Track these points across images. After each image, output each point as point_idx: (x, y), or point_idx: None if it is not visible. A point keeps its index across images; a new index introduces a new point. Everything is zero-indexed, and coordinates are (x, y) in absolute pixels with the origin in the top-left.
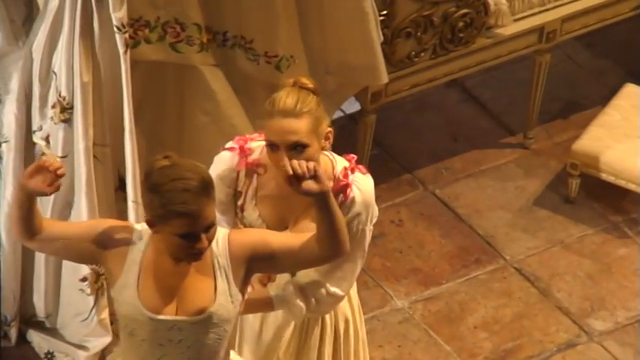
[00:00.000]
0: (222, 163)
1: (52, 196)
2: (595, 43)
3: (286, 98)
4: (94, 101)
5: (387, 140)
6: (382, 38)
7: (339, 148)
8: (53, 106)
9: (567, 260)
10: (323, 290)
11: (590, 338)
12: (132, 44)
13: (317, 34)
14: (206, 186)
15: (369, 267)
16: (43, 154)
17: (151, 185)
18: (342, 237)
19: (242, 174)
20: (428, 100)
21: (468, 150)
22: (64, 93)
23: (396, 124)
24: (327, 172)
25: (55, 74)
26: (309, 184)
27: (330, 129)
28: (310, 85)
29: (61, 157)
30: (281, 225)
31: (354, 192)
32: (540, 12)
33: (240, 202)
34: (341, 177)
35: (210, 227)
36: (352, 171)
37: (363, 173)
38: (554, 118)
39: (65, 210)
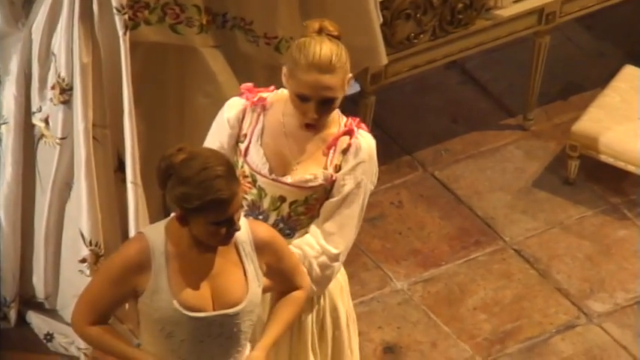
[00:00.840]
0: (229, 106)
1: (52, 177)
2: (594, 24)
3: (321, 51)
4: (93, 82)
5: (386, 122)
6: (382, 20)
7: None
8: (53, 88)
9: (567, 242)
10: (324, 257)
11: (589, 320)
12: (131, 26)
13: (316, 15)
14: (232, 167)
15: (368, 248)
16: (42, 135)
17: (180, 180)
18: None
19: (248, 114)
20: (427, 82)
21: (468, 132)
22: (63, 74)
23: (395, 106)
24: (334, 119)
25: (55, 55)
26: None
27: (350, 75)
28: (336, 32)
29: (61, 139)
30: (284, 167)
31: (360, 140)
32: None
33: (244, 146)
34: (346, 124)
35: (240, 207)
36: (357, 126)
37: (366, 131)
38: (554, 100)
39: (64, 191)
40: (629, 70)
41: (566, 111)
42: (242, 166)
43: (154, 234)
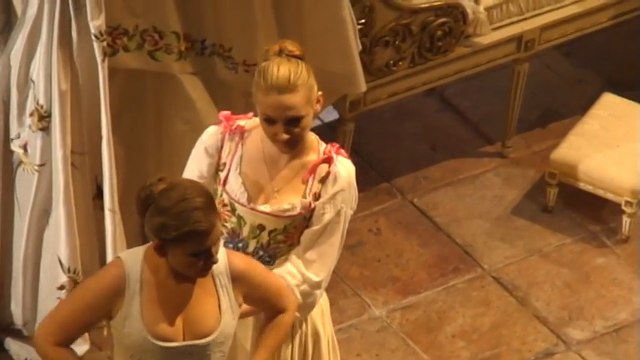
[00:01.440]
0: (208, 135)
1: (30, 204)
2: (573, 52)
3: (278, 72)
4: (72, 109)
5: (365, 149)
6: (361, 47)
7: None
8: (31, 114)
9: (545, 269)
10: (306, 285)
11: (567, 347)
12: (110, 52)
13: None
14: (211, 199)
15: (347, 276)
16: (21, 162)
17: (158, 210)
18: None
19: (227, 143)
20: (406, 109)
21: (447, 159)
22: (41, 101)
23: (374, 133)
24: (313, 146)
25: (33, 82)
26: None
27: (320, 93)
28: (297, 52)
29: (39, 166)
30: (263, 195)
31: (339, 167)
32: (519, 21)
33: (223, 175)
34: (325, 151)
35: (218, 239)
36: (336, 152)
37: (346, 157)
38: (533, 127)
39: (43, 218)
40: (608, 98)
41: (545, 138)
42: (221, 195)
43: (131, 260)
